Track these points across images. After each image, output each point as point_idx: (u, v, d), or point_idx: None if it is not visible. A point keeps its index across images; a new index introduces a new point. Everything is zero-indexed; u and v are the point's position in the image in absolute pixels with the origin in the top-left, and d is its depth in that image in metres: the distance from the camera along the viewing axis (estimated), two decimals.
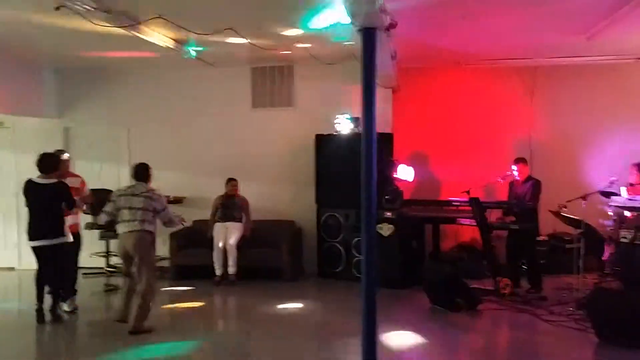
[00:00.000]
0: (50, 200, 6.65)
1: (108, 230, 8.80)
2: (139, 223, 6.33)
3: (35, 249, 6.70)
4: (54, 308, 6.82)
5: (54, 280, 6.85)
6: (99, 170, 10.14)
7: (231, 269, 8.81)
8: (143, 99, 10.06)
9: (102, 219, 6.66)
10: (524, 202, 7.81)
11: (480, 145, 9.54)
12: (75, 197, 6.93)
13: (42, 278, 6.80)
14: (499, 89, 9.63)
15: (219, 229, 8.88)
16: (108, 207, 6.54)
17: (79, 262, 7.60)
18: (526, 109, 9.54)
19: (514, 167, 7.99)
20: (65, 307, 7.20)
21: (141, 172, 6.60)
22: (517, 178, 8.01)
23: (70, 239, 6.87)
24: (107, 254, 9.31)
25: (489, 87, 9.64)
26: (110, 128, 10.18)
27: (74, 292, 7.43)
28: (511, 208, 7.95)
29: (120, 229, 6.44)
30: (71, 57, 8.94)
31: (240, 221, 8.94)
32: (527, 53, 8.90)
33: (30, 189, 6.70)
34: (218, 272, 8.81)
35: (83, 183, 7.46)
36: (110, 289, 8.60)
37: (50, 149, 9.91)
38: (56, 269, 6.79)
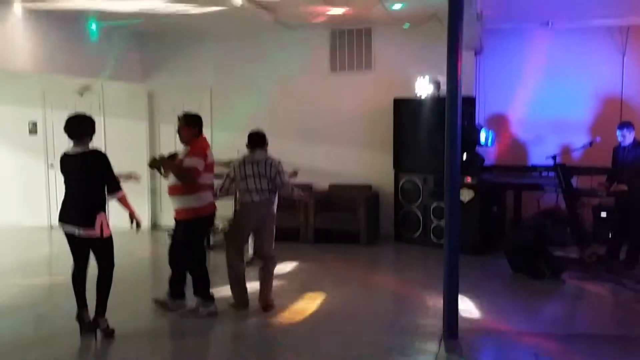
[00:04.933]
0: (79, 175, 5.16)
1: None
2: (268, 192, 6.05)
3: (66, 236, 5.27)
4: (94, 319, 5.32)
5: (100, 282, 5.31)
6: None
7: None
8: (223, 62, 10.18)
9: (220, 196, 6.19)
10: (632, 169, 7.33)
11: (568, 108, 9.16)
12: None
13: (77, 276, 5.36)
14: (588, 49, 9.16)
15: None
16: (225, 183, 6.18)
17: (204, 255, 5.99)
18: (617, 70, 9.06)
19: (619, 132, 7.58)
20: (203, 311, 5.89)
21: (259, 139, 6.23)
22: (624, 144, 7.56)
23: (106, 233, 5.18)
24: None
25: (578, 47, 9.18)
26: (192, 91, 10.37)
27: (209, 296, 5.92)
28: (616, 175, 7.58)
29: (246, 198, 6.06)
30: (153, 21, 9.12)
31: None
32: (619, 12, 8.42)
33: (62, 163, 5.31)
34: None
35: (189, 153, 5.70)
36: None
37: (136, 113, 10.45)
38: (100, 267, 5.31)
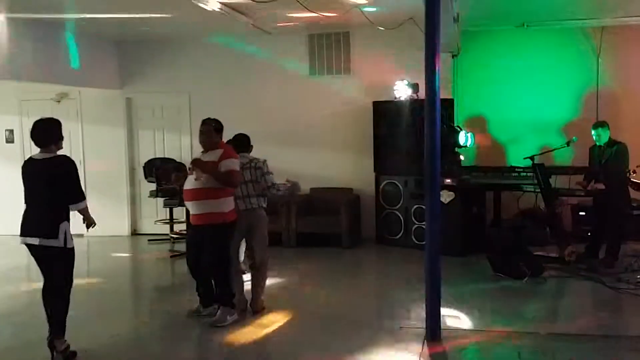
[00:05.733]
0: (43, 181, 4.82)
1: (171, 199, 9.04)
2: (255, 199, 5.94)
3: (29, 249, 4.94)
4: (50, 340, 4.87)
5: (52, 298, 4.93)
6: (161, 138, 10.41)
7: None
8: (202, 67, 10.13)
9: None
10: (609, 168, 7.43)
11: (545, 108, 9.26)
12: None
13: (47, 295, 4.97)
14: (563, 50, 9.30)
15: None
16: None
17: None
18: (592, 70, 9.19)
19: (594, 132, 7.64)
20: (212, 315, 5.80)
21: (244, 141, 6.17)
22: (599, 144, 7.61)
23: (70, 244, 4.84)
24: (171, 221, 9.54)
25: (553, 48, 9.31)
26: (170, 97, 10.33)
27: (228, 301, 5.78)
28: (593, 174, 7.66)
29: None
30: (130, 28, 9.05)
31: None
32: (593, 12, 8.54)
33: (25, 167, 4.97)
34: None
35: (224, 156, 5.60)
36: (175, 255, 8.83)
37: (114, 119, 10.37)
38: (54, 282, 4.93)
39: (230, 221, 5.66)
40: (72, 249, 4.90)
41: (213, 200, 5.51)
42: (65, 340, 4.89)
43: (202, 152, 5.80)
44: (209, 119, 5.89)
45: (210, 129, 5.73)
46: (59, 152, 4.94)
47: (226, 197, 5.60)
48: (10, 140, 10.83)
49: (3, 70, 7.83)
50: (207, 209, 5.52)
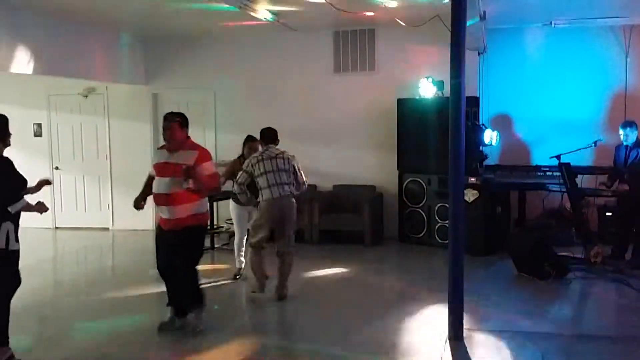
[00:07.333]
0: None
1: None
2: (287, 186, 6.23)
3: None
4: None
5: None
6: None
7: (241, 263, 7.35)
8: (228, 64, 10.19)
9: (238, 190, 6.26)
10: (634, 169, 7.32)
11: (571, 108, 9.14)
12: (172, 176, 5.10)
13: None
14: (591, 48, 9.16)
15: (240, 214, 7.12)
16: (242, 179, 6.23)
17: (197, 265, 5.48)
18: (621, 69, 9.05)
19: (622, 131, 7.55)
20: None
21: (272, 135, 6.42)
22: (626, 143, 7.53)
23: (12, 247, 4.58)
24: None
25: (581, 47, 9.18)
26: (196, 93, 10.40)
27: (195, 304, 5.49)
28: (618, 174, 7.56)
29: (266, 194, 6.15)
30: (156, 24, 9.13)
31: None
32: (622, 11, 8.40)
33: None
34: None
35: (202, 158, 5.23)
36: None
37: (140, 115, 10.48)
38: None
39: (206, 221, 5.59)
40: (15, 252, 4.61)
41: (195, 203, 5.21)
42: (9, 349, 4.61)
43: (162, 148, 5.42)
44: (171, 113, 5.46)
45: (175, 125, 5.25)
46: (7, 150, 4.65)
47: (204, 198, 5.39)
48: (38, 134, 11.00)
49: (31, 64, 7.95)
50: (189, 211, 5.18)
